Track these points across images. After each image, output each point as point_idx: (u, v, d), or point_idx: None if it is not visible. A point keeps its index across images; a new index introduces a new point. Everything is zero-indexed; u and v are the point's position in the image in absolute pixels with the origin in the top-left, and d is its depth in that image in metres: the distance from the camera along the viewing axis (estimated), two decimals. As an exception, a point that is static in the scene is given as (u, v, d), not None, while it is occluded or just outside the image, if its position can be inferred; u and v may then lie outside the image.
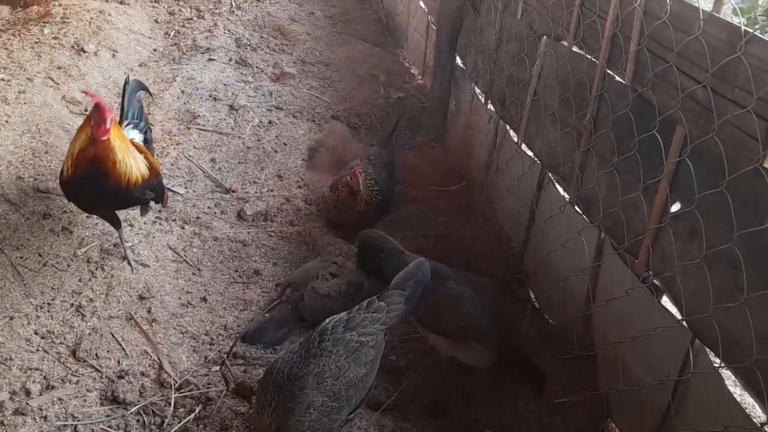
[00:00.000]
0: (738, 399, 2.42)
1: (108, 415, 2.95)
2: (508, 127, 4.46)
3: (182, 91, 5.69)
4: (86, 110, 5.16)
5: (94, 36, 6.01)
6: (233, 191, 4.67)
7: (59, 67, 5.44)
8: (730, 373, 2.48)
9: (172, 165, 4.77)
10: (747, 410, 2.37)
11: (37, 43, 5.71)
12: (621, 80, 3.15)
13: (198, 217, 4.35)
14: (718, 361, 2.45)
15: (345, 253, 4.18)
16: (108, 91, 5.42)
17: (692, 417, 2.57)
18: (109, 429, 2.89)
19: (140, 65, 6.07)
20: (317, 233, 4.34)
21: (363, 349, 2.73)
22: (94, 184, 3.42)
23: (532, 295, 3.99)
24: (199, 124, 5.32)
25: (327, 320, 2.81)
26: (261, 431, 2.59)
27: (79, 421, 2.89)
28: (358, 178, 4.32)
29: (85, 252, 3.82)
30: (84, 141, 3.41)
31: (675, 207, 2.75)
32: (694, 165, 2.58)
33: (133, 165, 3.50)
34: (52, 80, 5.25)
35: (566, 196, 3.67)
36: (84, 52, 5.74)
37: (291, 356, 2.69)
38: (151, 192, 3.63)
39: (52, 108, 4.95)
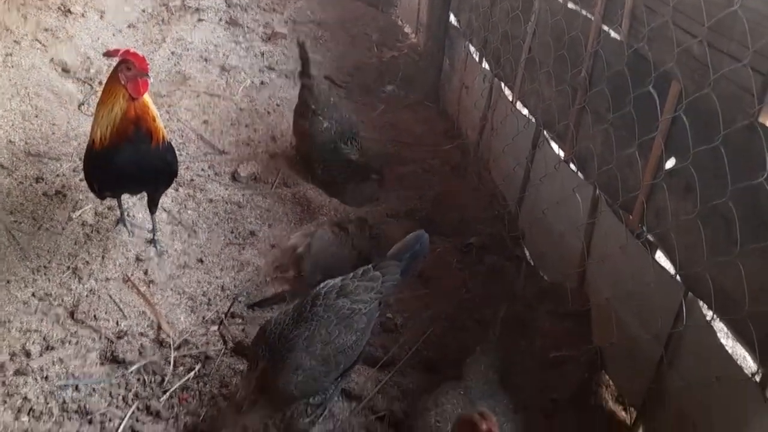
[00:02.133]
0: (729, 351, 2.46)
1: (108, 375, 2.98)
2: (502, 86, 4.43)
3: (172, 53, 5.61)
4: (69, 73, 5.08)
5: (81, -4, 5.89)
6: (225, 153, 4.64)
7: (46, 29, 5.34)
8: (723, 326, 2.53)
9: (164, 128, 4.72)
10: (738, 361, 2.42)
11: (22, 4, 5.58)
12: (616, 36, 3.12)
13: (192, 180, 4.33)
14: (710, 313, 2.49)
15: (340, 212, 4.19)
16: (97, 53, 5.33)
17: (684, 368, 2.62)
18: (110, 388, 2.92)
19: (128, 26, 5.96)
20: (312, 194, 4.34)
21: (355, 316, 2.73)
22: (134, 150, 3.27)
23: (527, 253, 4.02)
24: (190, 86, 5.26)
25: (321, 285, 2.82)
26: (249, 389, 2.62)
27: (79, 380, 2.92)
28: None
29: (80, 215, 3.80)
30: (123, 103, 3.22)
31: (670, 163, 2.75)
32: (690, 121, 2.58)
33: (158, 117, 3.38)
34: (40, 43, 5.17)
35: (561, 153, 3.67)
36: (71, 13, 5.62)
37: (284, 317, 2.70)
38: (173, 156, 3.51)
39: (41, 71, 4.88)
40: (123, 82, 3.20)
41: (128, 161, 3.29)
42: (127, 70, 3.19)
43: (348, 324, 2.71)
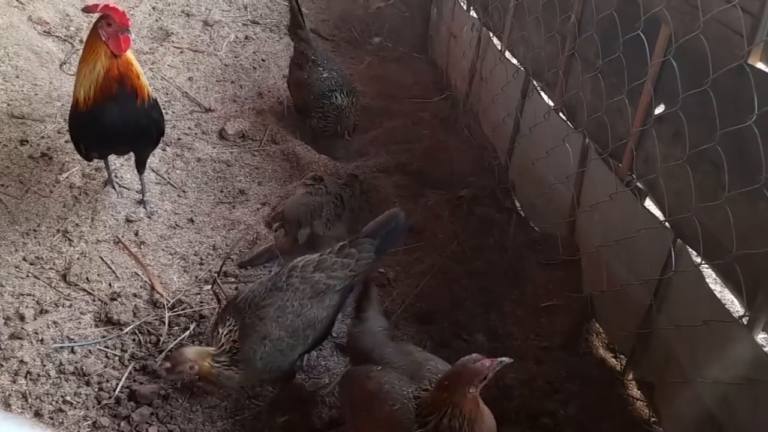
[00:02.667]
0: (718, 295, 2.49)
1: (104, 336, 3.00)
2: (491, 35, 4.36)
3: (153, 8, 5.48)
4: (48, 32, 4.96)
5: (56, -49, 5.71)
6: (211, 110, 4.58)
7: (22, -14, 5.19)
8: (711, 271, 2.55)
9: (148, 85, 4.64)
10: (726, 306, 2.45)
11: (-4, -39, 5.43)
12: (606, -21, 3.06)
13: (179, 138, 4.29)
14: (699, 259, 2.51)
15: (330, 169, 4.16)
16: (76, 10, 5.20)
17: (673, 313, 2.65)
18: (105, 349, 2.94)
19: (107, -19, 5.80)
20: (301, 150, 4.30)
21: (329, 292, 2.69)
22: (120, 109, 3.22)
23: (518, 204, 4.02)
24: (173, 42, 5.15)
25: (299, 258, 2.78)
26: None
27: (75, 342, 2.94)
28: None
29: (67, 177, 3.77)
30: (105, 61, 3.14)
31: (659, 109, 2.73)
32: (679, 65, 2.55)
33: (143, 75, 3.32)
34: (17, 0, 5.03)
35: (551, 102, 3.63)
36: (47, -32, 5.46)
37: (258, 287, 2.68)
38: (159, 114, 3.47)
39: (19, 30, 4.76)
40: (104, 39, 3.12)
41: (114, 121, 3.24)
42: (108, 26, 3.10)
43: (321, 299, 2.67)
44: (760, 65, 2.21)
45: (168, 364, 2.44)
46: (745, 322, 2.29)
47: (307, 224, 3.59)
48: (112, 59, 3.16)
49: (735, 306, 2.67)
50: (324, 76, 4.49)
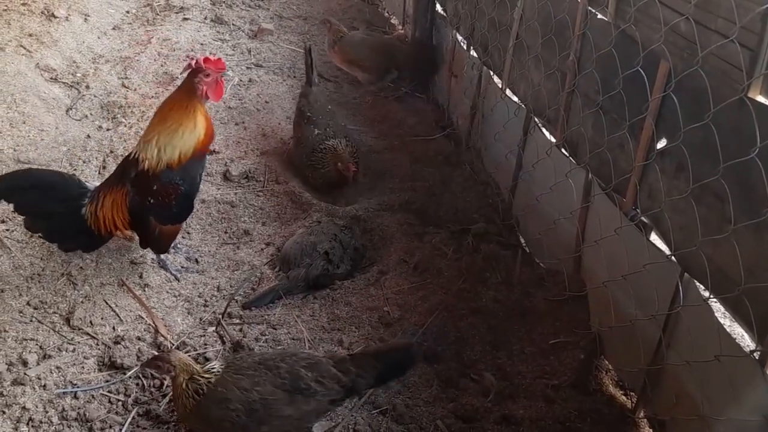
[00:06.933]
0: (727, 329, 2.46)
1: (107, 381, 2.96)
2: (491, 73, 4.41)
3: (159, 53, 5.58)
4: (55, 78, 5.03)
5: (63, 0, 5.85)
6: (216, 152, 4.62)
7: (30, 35, 5.31)
8: (720, 305, 2.52)
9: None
10: (736, 340, 2.41)
11: (5, 10, 5.56)
12: (603, 17, 3.11)
13: (183, 181, 4.30)
14: (707, 293, 2.48)
15: (332, 211, 4.17)
16: (83, 57, 5.30)
17: (683, 349, 2.61)
18: (109, 394, 2.90)
19: (114, 28, 5.94)
20: (304, 190, 4.31)
21: (306, 394, 2.54)
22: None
23: (522, 240, 4.01)
24: (178, 86, 5.21)
25: (300, 351, 2.73)
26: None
27: (78, 387, 2.90)
28: (350, 172, 4.36)
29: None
30: (204, 115, 3.24)
31: (661, 143, 2.74)
32: (679, 99, 2.56)
33: None
34: (24, 48, 5.13)
35: (552, 139, 3.65)
36: (55, 17, 5.60)
37: (250, 356, 2.67)
38: None
39: (27, 77, 4.85)
40: (202, 90, 3.18)
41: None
42: (206, 77, 3.16)
43: (294, 398, 2.54)
44: (760, 98, 2.23)
45: (153, 359, 2.58)
46: (757, 357, 2.25)
47: (298, 264, 3.59)
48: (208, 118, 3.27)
49: (746, 340, 2.63)
50: (316, 133, 4.49)
